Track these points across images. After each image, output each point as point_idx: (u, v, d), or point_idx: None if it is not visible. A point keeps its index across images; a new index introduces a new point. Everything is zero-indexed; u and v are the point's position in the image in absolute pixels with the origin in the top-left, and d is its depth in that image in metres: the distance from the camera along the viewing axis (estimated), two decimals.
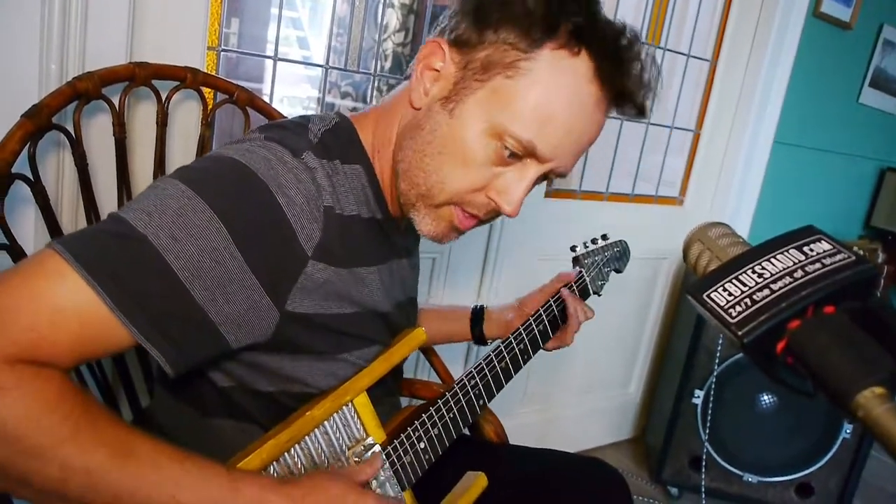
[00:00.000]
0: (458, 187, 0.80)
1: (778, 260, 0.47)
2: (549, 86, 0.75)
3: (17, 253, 0.95)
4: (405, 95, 0.83)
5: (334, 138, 0.81)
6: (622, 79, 0.77)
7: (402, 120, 0.83)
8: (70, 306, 0.60)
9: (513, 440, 1.26)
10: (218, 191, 0.68)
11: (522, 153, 0.78)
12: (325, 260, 0.74)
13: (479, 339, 1.19)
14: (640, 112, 0.81)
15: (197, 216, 0.65)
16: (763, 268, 0.47)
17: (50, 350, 0.59)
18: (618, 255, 1.26)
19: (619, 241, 1.28)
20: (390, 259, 0.89)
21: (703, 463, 2.09)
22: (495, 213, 0.84)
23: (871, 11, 2.45)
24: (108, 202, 1.14)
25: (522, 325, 1.05)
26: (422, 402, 1.21)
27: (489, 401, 1.00)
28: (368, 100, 1.79)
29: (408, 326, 0.94)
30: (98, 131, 1.13)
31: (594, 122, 0.79)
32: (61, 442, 0.56)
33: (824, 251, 0.47)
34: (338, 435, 0.79)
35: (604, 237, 1.24)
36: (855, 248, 0.48)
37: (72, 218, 1.16)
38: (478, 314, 1.20)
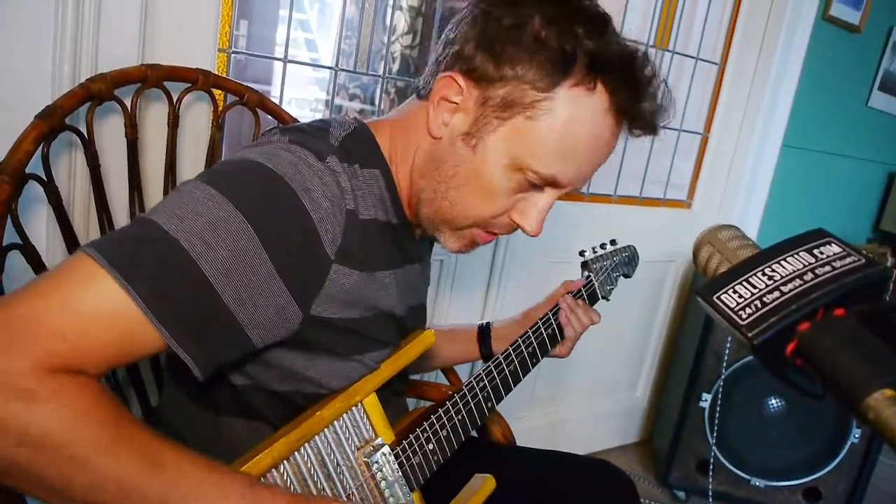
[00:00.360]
0: (481, 215, 0.83)
1: (788, 262, 0.48)
2: (568, 124, 0.76)
3: (29, 252, 0.96)
4: (419, 117, 0.84)
5: (354, 143, 0.81)
6: (638, 107, 0.79)
7: (420, 144, 0.84)
8: (103, 311, 0.60)
9: (520, 442, 1.26)
10: (247, 195, 0.68)
11: (543, 184, 0.81)
12: (348, 264, 0.75)
13: (487, 357, 1.19)
14: (654, 133, 0.83)
15: (228, 221, 0.66)
16: (773, 270, 0.47)
17: (83, 356, 0.59)
18: (626, 260, 1.27)
19: (628, 246, 1.28)
20: (404, 264, 0.90)
21: (711, 467, 2.08)
22: (515, 229, 0.87)
23: (881, 15, 2.44)
24: (119, 202, 1.15)
25: (531, 329, 1.06)
26: (430, 403, 1.21)
27: (497, 403, 1.00)
28: (377, 101, 1.80)
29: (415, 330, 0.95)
30: (110, 132, 1.13)
31: (610, 148, 0.82)
32: (98, 452, 0.57)
33: (834, 254, 0.48)
34: (347, 435, 0.80)
35: (612, 242, 1.24)
36: (864, 252, 0.48)
37: (84, 218, 1.17)
38: (484, 333, 1.20)
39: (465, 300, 1.91)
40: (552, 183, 0.81)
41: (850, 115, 2.58)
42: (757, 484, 2.10)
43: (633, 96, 0.78)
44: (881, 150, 2.78)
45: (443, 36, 0.84)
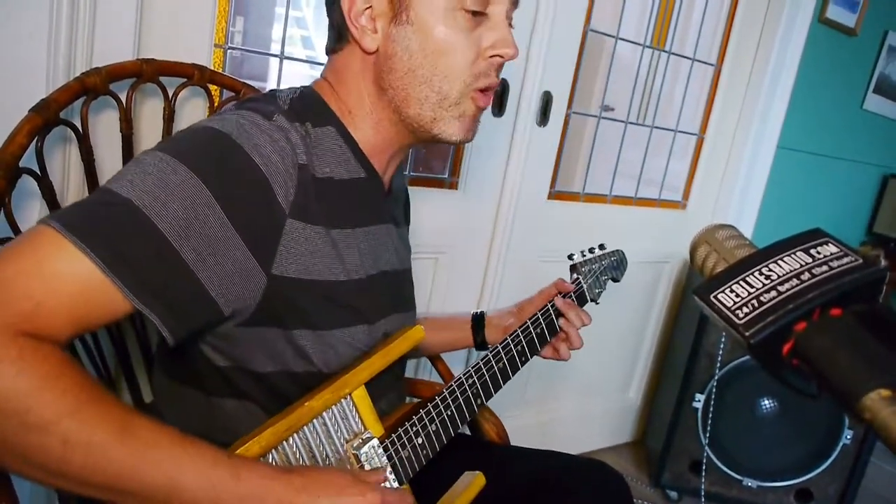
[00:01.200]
0: (460, 70, 0.83)
1: (785, 262, 0.47)
2: None
3: None
4: (347, 64, 0.86)
5: (303, 104, 0.83)
6: None
7: (366, 74, 0.85)
8: (66, 275, 0.61)
9: (513, 442, 1.26)
10: (196, 154, 0.70)
11: (483, 3, 0.82)
12: (303, 218, 0.76)
13: (481, 345, 1.19)
14: None
15: (179, 179, 0.67)
16: (770, 270, 0.47)
17: (49, 320, 0.60)
18: (615, 265, 1.27)
19: (617, 250, 1.29)
20: (373, 223, 0.89)
21: (703, 467, 2.09)
22: (500, 68, 0.87)
23: (877, 18, 2.45)
24: None
25: (520, 327, 1.06)
26: (420, 399, 1.21)
27: (486, 400, 1.01)
28: None
29: (401, 300, 0.95)
30: (105, 127, 1.13)
31: None
32: (63, 416, 0.57)
33: (831, 254, 0.47)
34: (336, 427, 0.80)
35: (601, 247, 1.25)
36: (871, 256, 0.48)
37: None
38: (479, 320, 1.20)
39: (461, 298, 1.91)
40: None
41: (845, 118, 2.59)
42: (749, 484, 2.11)
43: None
44: (875, 153, 2.79)
45: None
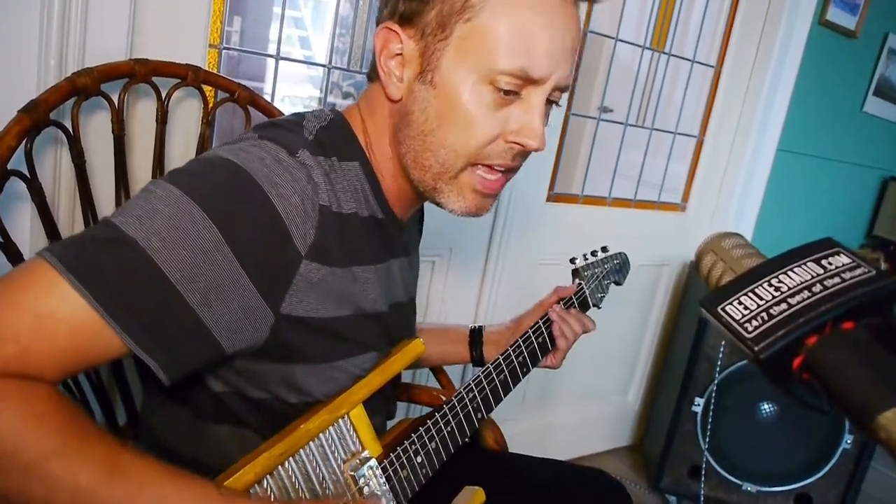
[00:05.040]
0: (471, 148, 0.76)
1: (795, 273, 0.46)
2: (510, 6, 0.72)
3: (11, 251, 0.94)
4: (378, 97, 0.81)
5: (330, 135, 0.78)
6: None
7: (388, 117, 0.81)
8: (59, 315, 0.58)
9: (511, 446, 1.25)
10: (210, 192, 0.66)
11: (519, 85, 0.74)
12: (320, 259, 0.72)
13: (477, 361, 1.16)
14: None
15: (188, 218, 0.63)
16: (780, 281, 0.46)
17: (36, 362, 0.57)
18: (618, 268, 1.25)
19: (619, 253, 1.27)
20: (389, 259, 0.86)
21: (703, 471, 2.07)
22: (522, 156, 0.80)
23: (877, 20, 2.44)
24: (105, 201, 1.12)
25: (522, 338, 1.04)
26: (418, 405, 1.19)
27: (487, 414, 0.98)
28: None
29: (406, 330, 0.92)
30: (96, 128, 1.11)
31: (569, 16, 0.75)
32: (47, 458, 0.54)
33: (843, 265, 0.46)
34: (333, 448, 0.77)
35: (604, 249, 1.22)
36: (870, 259, 0.47)
37: (68, 216, 1.14)
38: (476, 336, 1.17)
39: (458, 301, 1.90)
40: (527, 78, 0.73)
41: (844, 120, 2.58)
42: (748, 489, 2.09)
43: None
44: (875, 156, 2.78)
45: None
